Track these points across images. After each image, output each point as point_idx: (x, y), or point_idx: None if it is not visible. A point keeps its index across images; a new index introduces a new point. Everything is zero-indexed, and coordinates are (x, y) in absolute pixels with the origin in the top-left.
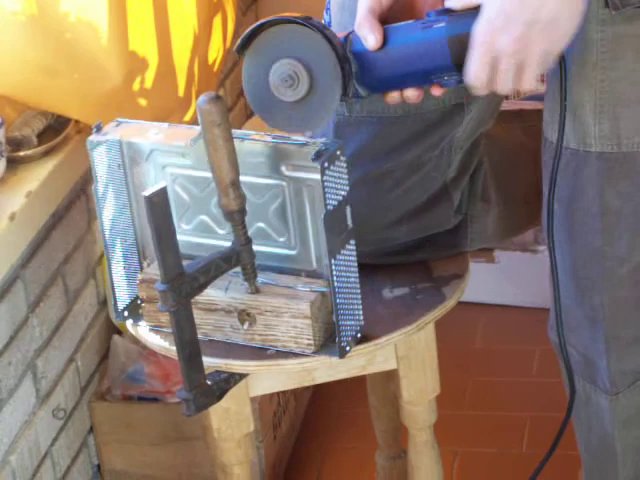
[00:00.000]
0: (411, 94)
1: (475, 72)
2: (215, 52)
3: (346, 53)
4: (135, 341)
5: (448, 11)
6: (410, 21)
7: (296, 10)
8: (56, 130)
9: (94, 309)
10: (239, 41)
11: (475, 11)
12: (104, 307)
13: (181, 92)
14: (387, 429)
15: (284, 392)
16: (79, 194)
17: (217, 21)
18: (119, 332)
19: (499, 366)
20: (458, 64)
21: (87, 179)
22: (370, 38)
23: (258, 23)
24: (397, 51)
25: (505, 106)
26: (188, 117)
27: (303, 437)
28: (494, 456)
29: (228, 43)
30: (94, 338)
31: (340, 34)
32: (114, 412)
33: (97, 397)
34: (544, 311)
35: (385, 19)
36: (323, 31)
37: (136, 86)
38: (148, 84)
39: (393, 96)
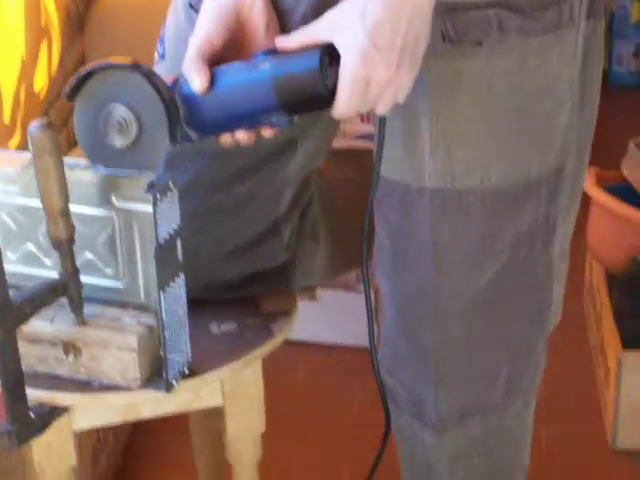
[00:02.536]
0: (241, 136)
1: (349, 105)
2: (41, 80)
3: (173, 97)
4: None
5: (274, 52)
6: (238, 62)
7: (126, 37)
8: None
9: None
10: (68, 88)
11: (307, 51)
12: None
13: (6, 119)
14: (209, 466)
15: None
16: None
17: (43, 48)
18: None
19: (321, 405)
20: (284, 104)
21: None
22: (196, 81)
23: (86, 70)
24: (224, 93)
25: (336, 144)
26: (13, 144)
27: (122, 474)
28: None
29: (54, 71)
30: None
31: (169, 77)
32: None
33: None
34: (366, 350)
35: (219, 60)
36: (149, 76)
37: None
38: None
39: (224, 138)
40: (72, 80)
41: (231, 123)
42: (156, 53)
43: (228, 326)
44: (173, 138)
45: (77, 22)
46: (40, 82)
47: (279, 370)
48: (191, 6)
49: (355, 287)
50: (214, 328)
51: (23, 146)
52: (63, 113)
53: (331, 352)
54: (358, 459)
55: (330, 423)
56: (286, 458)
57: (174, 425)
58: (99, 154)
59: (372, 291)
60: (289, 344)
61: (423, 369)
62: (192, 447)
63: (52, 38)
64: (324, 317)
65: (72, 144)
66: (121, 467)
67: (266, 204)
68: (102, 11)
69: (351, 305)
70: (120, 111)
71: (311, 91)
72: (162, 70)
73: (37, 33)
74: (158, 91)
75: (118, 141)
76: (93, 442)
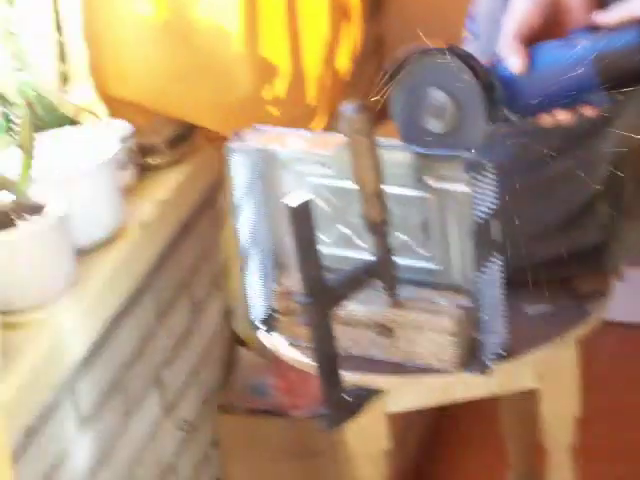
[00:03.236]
0: (562, 116)
1: None
2: (344, 60)
3: (491, 80)
4: (261, 354)
5: (593, 28)
6: (555, 41)
7: (424, 17)
8: (185, 138)
9: (219, 321)
10: (385, 72)
11: (627, 26)
12: (229, 319)
13: (311, 100)
14: (520, 448)
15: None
16: (207, 204)
17: (345, 29)
18: (243, 344)
19: (633, 385)
20: (604, 82)
21: (216, 188)
22: (514, 62)
23: (403, 54)
24: (543, 73)
25: None
26: (317, 126)
27: (430, 455)
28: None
29: (355, 52)
30: (218, 350)
31: (485, 60)
32: (238, 426)
33: (221, 410)
34: None
35: (534, 40)
36: (467, 59)
37: (267, 94)
38: (279, 92)
39: (543, 118)
40: (390, 65)
41: (550, 103)
42: (466, 32)
43: (543, 307)
44: (491, 121)
45: (375, 2)
46: (343, 63)
47: (590, 351)
48: None
49: None
50: (528, 309)
51: (327, 128)
52: (364, 94)
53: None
54: None
55: None
56: (601, 441)
57: (480, 406)
58: (415, 137)
59: None
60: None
61: None
62: (501, 429)
63: (353, 18)
64: (633, 296)
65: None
66: (428, 448)
67: (581, 183)
68: None
69: None
70: (437, 95)
71: (633, 67)
72: (474, 50)
73: (340, 14)
74: (476, 74)
75: (435, 125)
76: (401, 423)
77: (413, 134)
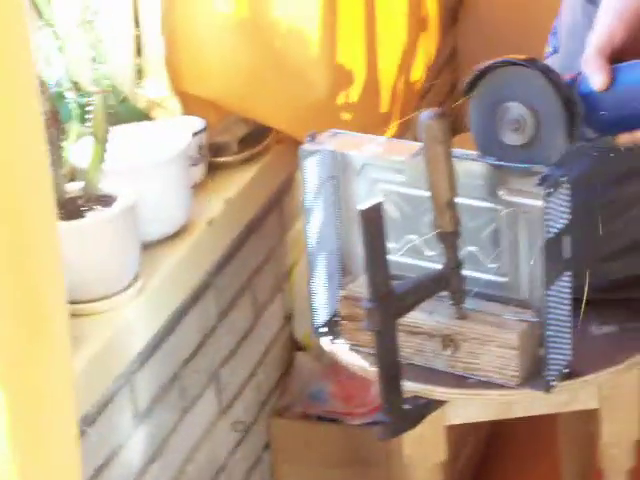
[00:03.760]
0: None
1: None
2: (418, 71)
3: (572, 96)
4: (319, 359)
5: None
6: (638, 60)
7: (498, 31)
8: (256, 138)
9: (279, 323)
10: (465, 84)
11: None
12: (288, 322)
13: (383, 109)
14: (576, 469)
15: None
16: (274, 204)
17: (422, 39)
18: (300, 349)
19: None
20: None
21: (283, 190)
22: (596, 79)
23: (483, 66)
24: (624, 92)
25: None
26: (389, 134)
27: (482, 470)
28: None
29: (429, 62)
30: (276, 353)
31: (567, 75)
32: (292, 430)
33: (275, 413)
34: None
35: (618, 58)
36: (548, 74)
37: (340, 100)
38: (352, 99)
39: (623, 138)
40: (469, 76)
41: (630, 122)
42: (547, 47)
43: (609, 328)
44: (570, 137)
45: (451, 14)
46: (417, 73)
47: None
48: (589, 2)
49: None
50: (595, 329)
51: (398, 136)
52: (435, 104)
53: None
54: None
55: None
56: None
57: (534, 424)
58: (491, 149)
59: None
60: None
61: None
62: (557, 449)
63: (430, 29)
64: None
65: None
66: (479, 465)
67: None
68: (474, 3)
69: None
70: (517, 109)
71: None
72: (554, 65)
73: (417, 24)
74: (557, 89)
75: (513, 139)
76: (456, 437)
77: (489, 146)
